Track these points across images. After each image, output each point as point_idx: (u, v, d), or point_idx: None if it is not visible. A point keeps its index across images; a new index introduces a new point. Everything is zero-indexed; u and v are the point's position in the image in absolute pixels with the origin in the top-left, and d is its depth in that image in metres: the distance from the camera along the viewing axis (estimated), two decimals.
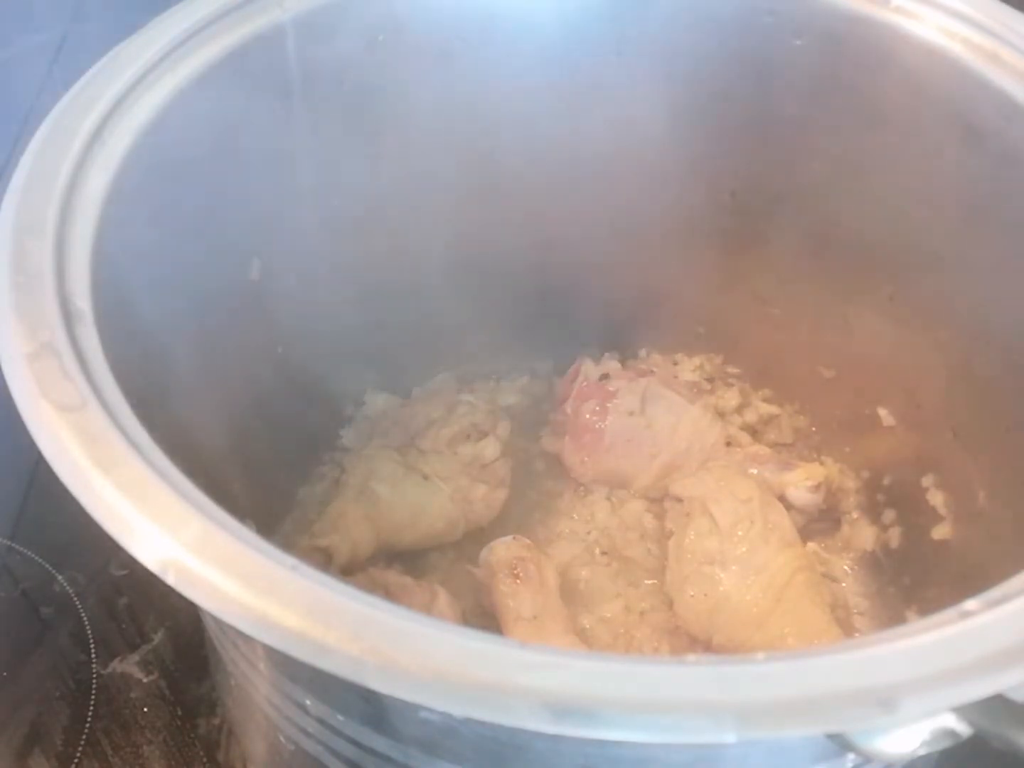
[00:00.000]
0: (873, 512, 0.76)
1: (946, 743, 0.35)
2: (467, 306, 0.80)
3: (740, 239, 0.74)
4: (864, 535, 0.76)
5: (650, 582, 0.74)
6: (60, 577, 0.77)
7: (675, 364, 0.84)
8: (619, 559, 0.75)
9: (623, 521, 0.77)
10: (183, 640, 0.74)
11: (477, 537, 0.73)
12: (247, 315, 0.64)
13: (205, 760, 0.70)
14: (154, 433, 0.41)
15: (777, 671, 0.35)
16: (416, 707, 0.35)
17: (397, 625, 0.35)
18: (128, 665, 0.73)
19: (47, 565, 0.77)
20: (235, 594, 0.36)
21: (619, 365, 0.81)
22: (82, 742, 0.70)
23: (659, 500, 0.77)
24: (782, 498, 0.74)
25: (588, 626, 0.71)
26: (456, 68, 0.66)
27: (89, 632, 0.74)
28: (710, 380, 0.84)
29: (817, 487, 0.75)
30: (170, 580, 0.36)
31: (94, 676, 0.72)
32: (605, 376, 0.79)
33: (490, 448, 0.76)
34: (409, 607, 0.36)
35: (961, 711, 0.35)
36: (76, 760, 0.69)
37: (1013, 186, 0.58)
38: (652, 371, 0.80)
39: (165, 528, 0.37)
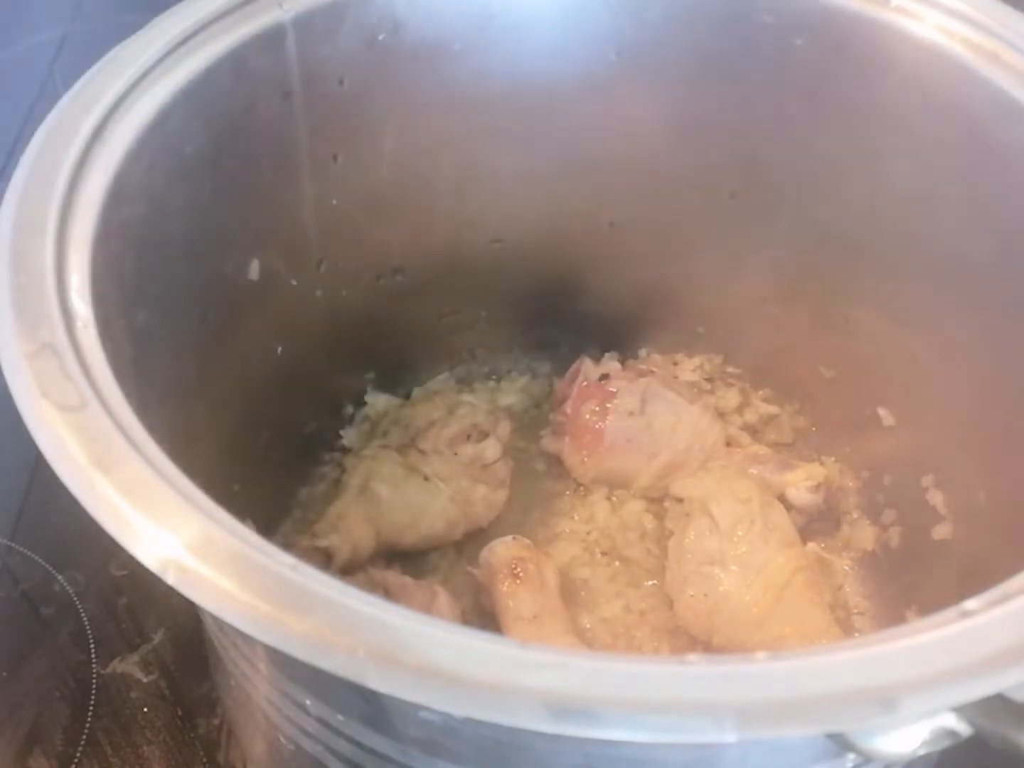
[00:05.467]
0: (873, 512, 0.76)
1: (946, 743, 0.35)
2: (467, 306, 0.80)
3: (740, 239, 0.74)
4: (864, 535, 0.76)
5: (650, 582, 0.74)
6: (60, 577, 0.77)
7: (675, 364, 0.84)
8: (619, 559, 0.75)
9: (623, 521, 0.77)
10: (183, 640, 0.74)
11: (477, 537, 0.74)
12: (247, 315, 0.64)
13: (205, 760, 0.70)
14: (154, 433, 0.41)
15: (777, 671, 0.35)
16: (416, 707, 0.35)
17: (397, 625, 0.35)
18: (128, 665, 0.73)
19: (47, 565, 0.77)
20: (235, 594, 0.36)
21: (619, 365, 0.81)
22: (82, 742, 0.70)
23: (659, 500, 0.78)
24: (782, 498, 0.75)
25: (588, 626, 0.71)
26: (456, 68, 0.66)
27: (89, 632, 0.74)
28: (710, 380, 0.84)
29: (817, 487, 0.75)
30: (170, 580, 0.36)
31: (94, 676, 0.72)
32: (605, 376, 0.79)
33: (490, 449, 0.76)
34: (409, 607, 0.36)
35: (961, 711, 0.35)
36: (76, 760, 0.69)
37: (1013, 186, 0.58)
38: (652, 371, 0.80)
39: (165, 528, 0.37)
